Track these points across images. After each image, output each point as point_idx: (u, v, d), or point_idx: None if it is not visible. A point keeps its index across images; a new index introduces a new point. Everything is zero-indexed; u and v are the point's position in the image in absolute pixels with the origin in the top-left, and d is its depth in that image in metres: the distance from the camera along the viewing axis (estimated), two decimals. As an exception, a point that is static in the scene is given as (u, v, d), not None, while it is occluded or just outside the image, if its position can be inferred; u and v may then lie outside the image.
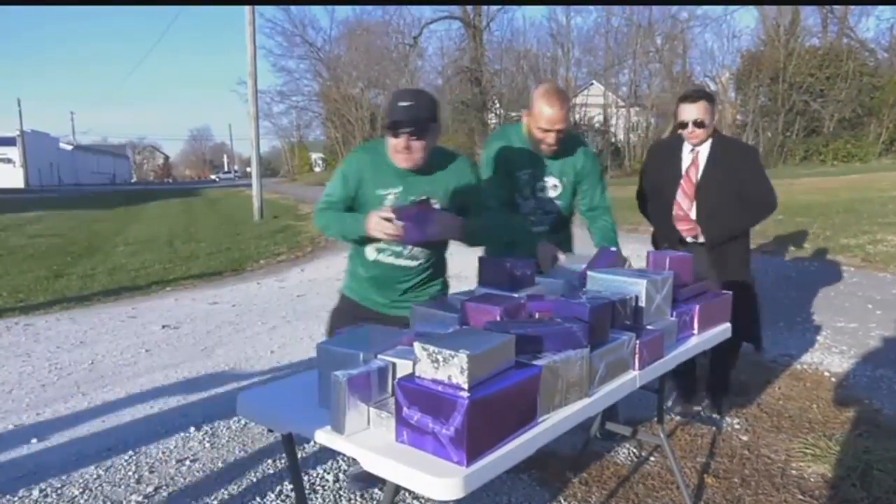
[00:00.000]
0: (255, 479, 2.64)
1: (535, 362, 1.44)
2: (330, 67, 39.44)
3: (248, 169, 26.48)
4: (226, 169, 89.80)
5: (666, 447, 2.26)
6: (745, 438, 2.94)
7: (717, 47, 49.59)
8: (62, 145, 59.84)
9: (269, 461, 2.79)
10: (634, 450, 2.83)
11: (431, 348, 1.31)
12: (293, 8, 37.25)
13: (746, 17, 57.16)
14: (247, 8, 15.14)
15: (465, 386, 1.26)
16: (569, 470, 2.64)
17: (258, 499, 2.49)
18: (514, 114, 35.17)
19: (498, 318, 1.65)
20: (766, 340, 4.36)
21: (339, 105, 37.80)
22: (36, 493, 2.56)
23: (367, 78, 37.36)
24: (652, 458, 2.76)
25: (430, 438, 1.29)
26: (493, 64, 35.49)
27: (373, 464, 1.32)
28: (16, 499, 2.52)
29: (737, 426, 3.07)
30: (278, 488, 2.56)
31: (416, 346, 1.34)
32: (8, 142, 46.91)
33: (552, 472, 2.61)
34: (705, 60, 39.16)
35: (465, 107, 33.98)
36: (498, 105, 34.58)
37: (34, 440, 3.06)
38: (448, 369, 1.29)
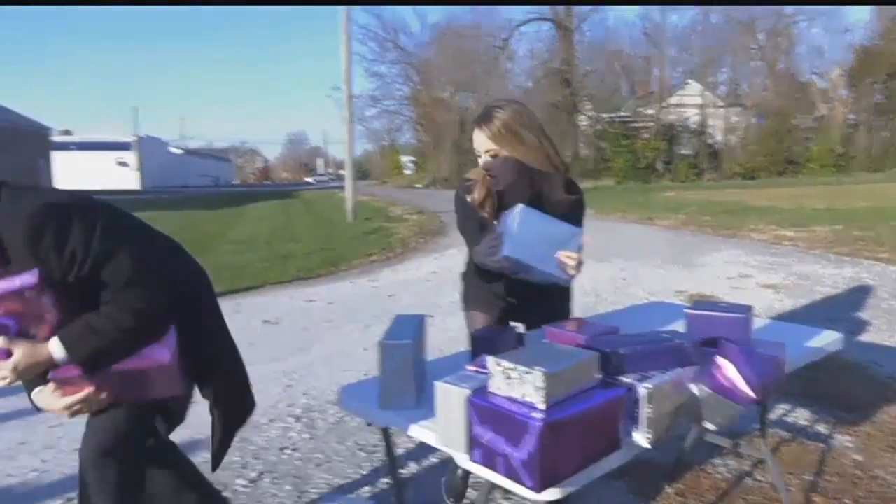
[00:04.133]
0: (350, 471, 2.74)
1: (642, 383, 1.31)
2: (420, 71, 40.10)
3: (342, 171, 27.35)
4: (320, 172, 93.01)
5: (770, 462, 2.17)
6: (857, 458, 2.76)
7: (827, 42, 46.46)
8: (172, 149, 64.03)
9: (364, 454, 2.88)
10: (733, 462, 2.72)
11: (505, 363, 1.22)
12: (386, 14, 38.24)
13: (859, 10, 53.16)
14: (341, 14, 15.63)
15: (541, 406, 1.16)
16: (663, 479, 2.57)
17: (354, 489, 2.58)
18: (605, 116, 34.47)
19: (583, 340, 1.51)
20: (884, 356, 4.09)
21: (429, 109, 38.39)
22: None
23: (456, 81, 37.70)
24: (753, 473, 2.64)
25: (501, 460, 1.20)
26: (584, 65, 34.94)
27: (468, 461, 1.34)
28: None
29: (848, 444, 2.89)
30: (374, 480, 2.64)
31: (490, 360, 1.26)
32: (124, 146, 50.86)
33: (646, 481, 2.56)
34: (813, 56, 36.76)
35: (556, 109, 33.61)
36: (590, 107, 33.99)
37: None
38: (522, 387, 1.19)
